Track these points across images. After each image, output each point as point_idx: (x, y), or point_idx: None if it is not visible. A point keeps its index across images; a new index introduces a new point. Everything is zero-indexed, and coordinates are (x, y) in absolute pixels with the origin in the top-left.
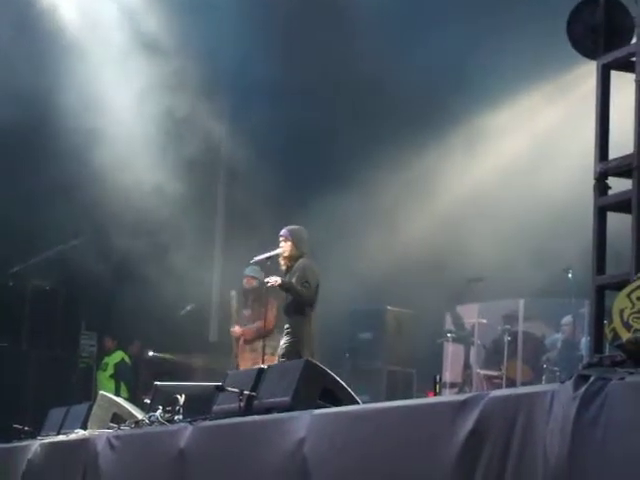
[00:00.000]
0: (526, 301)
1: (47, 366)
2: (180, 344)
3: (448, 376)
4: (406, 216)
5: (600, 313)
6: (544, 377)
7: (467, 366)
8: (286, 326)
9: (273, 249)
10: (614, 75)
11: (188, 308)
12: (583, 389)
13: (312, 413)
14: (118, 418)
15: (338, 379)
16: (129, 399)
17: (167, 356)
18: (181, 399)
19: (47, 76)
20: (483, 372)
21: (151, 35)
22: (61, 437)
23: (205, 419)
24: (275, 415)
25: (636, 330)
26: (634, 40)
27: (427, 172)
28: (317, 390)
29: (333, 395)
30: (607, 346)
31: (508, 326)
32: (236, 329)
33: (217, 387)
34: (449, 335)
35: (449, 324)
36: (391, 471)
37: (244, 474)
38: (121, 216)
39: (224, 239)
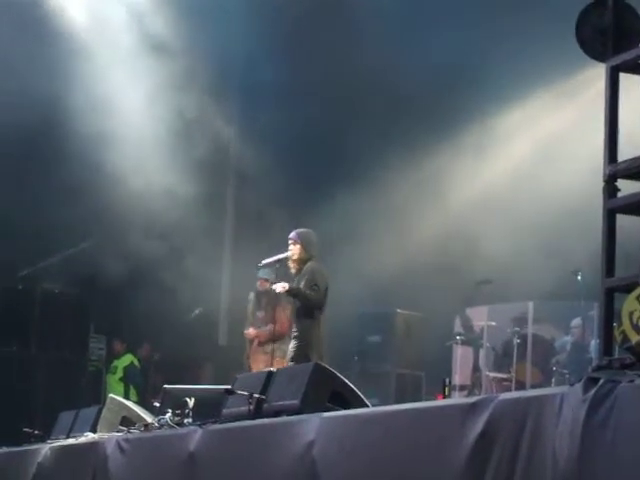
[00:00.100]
0: (535, 304)
1: (56, 369)
2: (189, 347)
3: (457, 379)
4: (416, 218)
5: (609, 316)
6: (553, 380)
7: (476, 369)
8: (294, 330)
9: (282, 251)
10: (623, 77)
11: (197, 311)
12: (592, 392)
13: (321, 416)
14: (128, 421)
15: (347, 382)
16: (138, 402)
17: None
18: (190, 402)
19: (56, 79)
20: (492, 375)
21: (160, 37)
22: (71, 440)
23: (214, 422)
24: (284, 418)
25: None
26: None
27: (437, 173)
28: (326, 393)
29: (342, 398)
30: (616, 349)
31: (517, 329)
32: (250, 331)
33: (226, 390)
34: (458, 338)
35: (458, 327)
36: (400, 474)
37: (254, 477)
38: (130, 219)
39: (233, 241)
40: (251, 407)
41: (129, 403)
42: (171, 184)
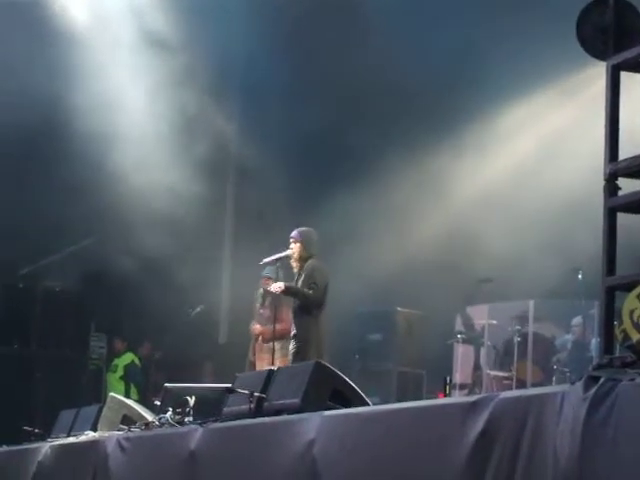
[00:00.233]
0: (536, 302)
1: (57, 368)
2: (190, 346)
3: (458, 377)
4: (416, 217)
5: (610, 314)
6: (554, 378)
7: (477, 367)
8: (293, 329)
9: (283, 250)
10: (624, 76)
11: (198, 309)
12: (593, 390)
13: (322, 415)
14: (128, 420)
15: (348, 380)
16: (139, 401)
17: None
18: (191, 401)
19: (57, 78)
20: (493, 373)
21: (161, 35)
22: (71, 439)
23: (215, 421)
24: (285, 417)
25: None
26: None
27: (438, 172)
28: (327, 392)
29: (343, 396)
30: (617, 347)
31: (518, 327)
32: (257, 327)
33: (227, 389)
34: (459, 336)
35: (459, 325)
36: (401, 472)
37: (254, 476)
38: (131, 217)
39: (234, 240)
40: (252, 406)
41: (130, 402)
42: (172, 182)
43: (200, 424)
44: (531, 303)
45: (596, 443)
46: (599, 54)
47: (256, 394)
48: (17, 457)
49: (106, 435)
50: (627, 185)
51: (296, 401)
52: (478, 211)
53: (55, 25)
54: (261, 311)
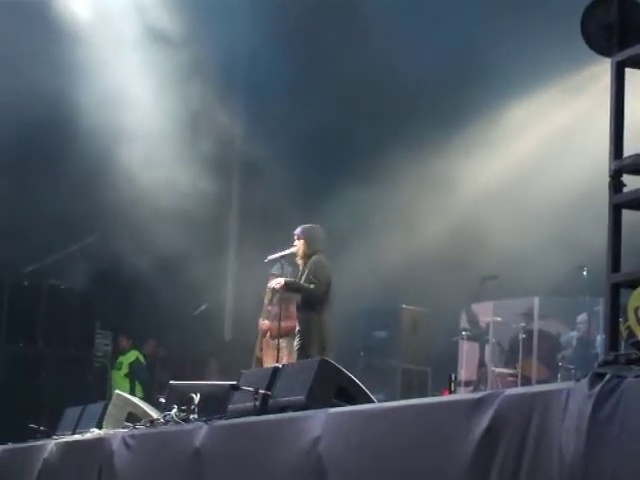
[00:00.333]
0: (541, 299)
1: (62, 365)
2: (195, 343)
3: (463, 374)
4: (422, 214)
5: (615, 311)
6: (559, 375)
7: (482, 364)
8: (297, 325)
9: (288, 247)
10: (628, 73)
11: (202, 307)
12: (599, 387)
13: (327, 412)
14: (133, 417)
15: (353, 378)
16: (144, 398)
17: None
18: (196, 398)
19: (61, 76)
20: (498, 370)
21: (165, 31)
22: (76, 436)
23: (220, 418)
24: (290, 414)
25: None
26: None
27: (444, 170)
28: (332, 389)
29: (348, 394)
30: (622, 344)
31: (523, 324)
32: (265, 322)
33: (232, 386)
34: (464, 333)
35: (464, 322)
36: (406, 469)
37: (259, 473)
38: (136, 215)
39: (239, 237)
40: (257, 403)
41: (135, 399)
42: (177, 180)
43: (205, 421)
44: (536, 300)
45: (601, 440)
46: (603, 51)
47: (261, 391)
48: (23, 454)
49: (111, 432)
50: (632, 182)
51: (301, 398)
52: (483, 208)
53: (59, 23)
54: (269, 308)
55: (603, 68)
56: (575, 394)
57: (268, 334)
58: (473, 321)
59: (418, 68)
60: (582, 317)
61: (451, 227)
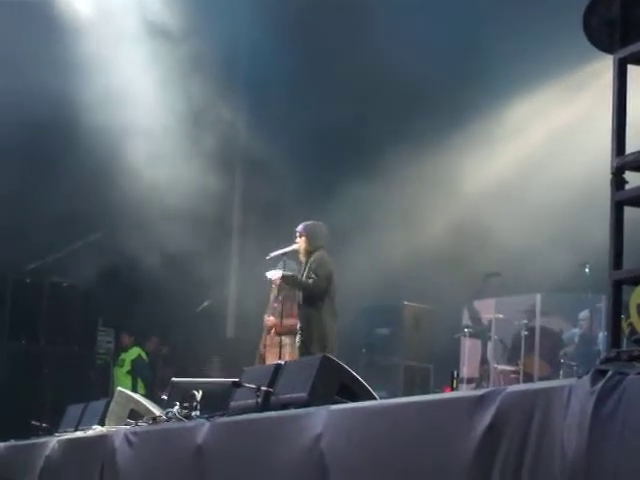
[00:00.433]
0: (543, 296)
1: (64, 363)
2: (197, 340)
3: (465, 371)
4: (425, 211)
5: (617, 308)
6: (561, 372)
7: (484, 361)
8: (299, 322)
9: (290, 244)
10: (630, 69)
11: (205, 304)
12: (600, 384)
13: (329, 409)
14: (135, 414)
15: (355, 374)
16: (146, 395)
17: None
18: (198, 395)
19: (63, 74)
20: (500, 367)
21: (166, 26)
22: (79, 433)
23: (222, 415)
24: (292, 411)
25: None
26: None
27: (447, 166)
28: (334, 386)
29: (350, 391)
30: (624, 341)
31: (525, 321)
32: (271, 319)
33: (234, 383)
34: (466, 330)
35: (466, 319)
36: (408, 466)
37: (262, 470)
38: (138, 212)
39: (241, 233)
40: (259, 400)
41: (137, 396)
42: (180, 176)
43: (207, 418)
44: (538, 297)
45: (603, 437)
46: (606, 47)
47: (263, 388)
48: (25, 451)
49: (113, 429)
50: (634, 179)
51: (303, 395)
52: (485, 205)
53: (59, 20)
54: (275, 304)
55: (605, 65)
56: (577, 391)
57: (273, 330)
58: (475, 318)
59: (421, 66)
60: (584, 314)
61: (453, 224)
